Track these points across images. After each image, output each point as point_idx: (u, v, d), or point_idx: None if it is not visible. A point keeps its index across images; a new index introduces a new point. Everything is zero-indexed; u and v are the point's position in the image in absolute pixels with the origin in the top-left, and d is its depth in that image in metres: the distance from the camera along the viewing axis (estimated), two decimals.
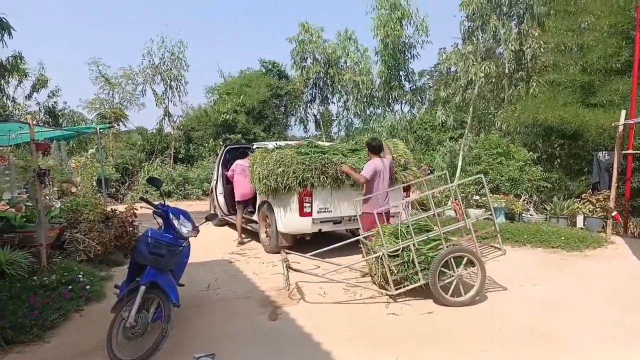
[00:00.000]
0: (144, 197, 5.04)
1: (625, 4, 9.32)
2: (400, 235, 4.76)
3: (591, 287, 5.27)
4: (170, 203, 4.14)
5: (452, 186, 5.17)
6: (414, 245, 4.61)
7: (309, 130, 18.71)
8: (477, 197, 9.07)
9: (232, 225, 9.13)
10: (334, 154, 6.54)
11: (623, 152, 7.79)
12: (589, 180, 9.28)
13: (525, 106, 10.67)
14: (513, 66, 12.28)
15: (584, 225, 8.18)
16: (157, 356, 3.28)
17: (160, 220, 3.93)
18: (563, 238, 7.18)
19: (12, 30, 5.55)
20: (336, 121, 19.17)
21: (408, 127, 15.63)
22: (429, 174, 11.49)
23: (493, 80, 12.44)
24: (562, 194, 9.67)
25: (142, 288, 3.36)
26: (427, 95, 17.67)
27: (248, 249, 7.39)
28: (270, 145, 7.28)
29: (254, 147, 7.79)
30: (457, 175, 11.71)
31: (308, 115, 18.63)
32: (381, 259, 4.71)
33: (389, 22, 13.55)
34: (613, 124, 7.62)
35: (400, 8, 13.67)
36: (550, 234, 7.35)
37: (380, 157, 5.73)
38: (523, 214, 8.74)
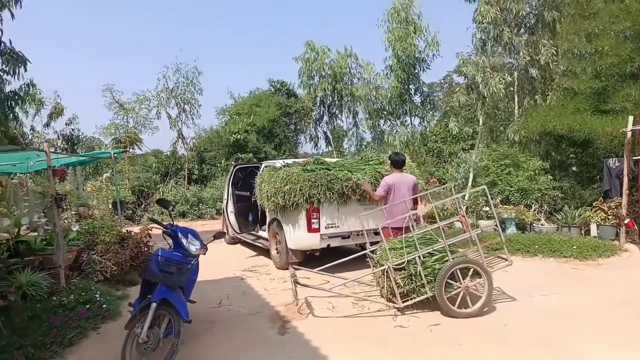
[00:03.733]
0: (154, 217, 5.23)
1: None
2: (406, 248, 4.83)
3: (604, 295, 5.23)
4: (185, 223, 4.32)
5: (455, 198, 5.21)
6: (419, 257, 4.67)
7: (319, 147, 18.90)
8: (487, 209, 9.05)
9: (245, 244, 9.29)
10: (339, 170, 6.67)
11: (633, 158, 7.74)
12: (601, 187, 9.17)
13: (535, 115, 10.62)
14: (527, 76, 12.30)
15: (596, 233, 8.08)
16: None
17: (169, 240, 4.10)
18: (575, 247, 7.10)
19: (27, 62, 5.77)
20: (347, 137, 19.35)
21: (420, 140, 15.66)
22: (437, 187, 11.48)
23: (511, 89, 12.46)
24: (575, 203, 9.56)
25: (153, 305, 3.50)
26: (438, 107, 17.70)
27: (260, 265, 7.51)
28: (278, 163, 7.44)
29: (263, 165, 7.96)
30: (469, 186, 11.67)
31: (318, 132, 18.86)
32: (388, 272, 4.78)
33: (405, 37, 13.51)
34: (621, 130, 7.60)
35: (412, 23, 13.69)
36: (562, 244, 7.29)
37: (402, 172, 5.86)
38: (534, 224, 8.67)
